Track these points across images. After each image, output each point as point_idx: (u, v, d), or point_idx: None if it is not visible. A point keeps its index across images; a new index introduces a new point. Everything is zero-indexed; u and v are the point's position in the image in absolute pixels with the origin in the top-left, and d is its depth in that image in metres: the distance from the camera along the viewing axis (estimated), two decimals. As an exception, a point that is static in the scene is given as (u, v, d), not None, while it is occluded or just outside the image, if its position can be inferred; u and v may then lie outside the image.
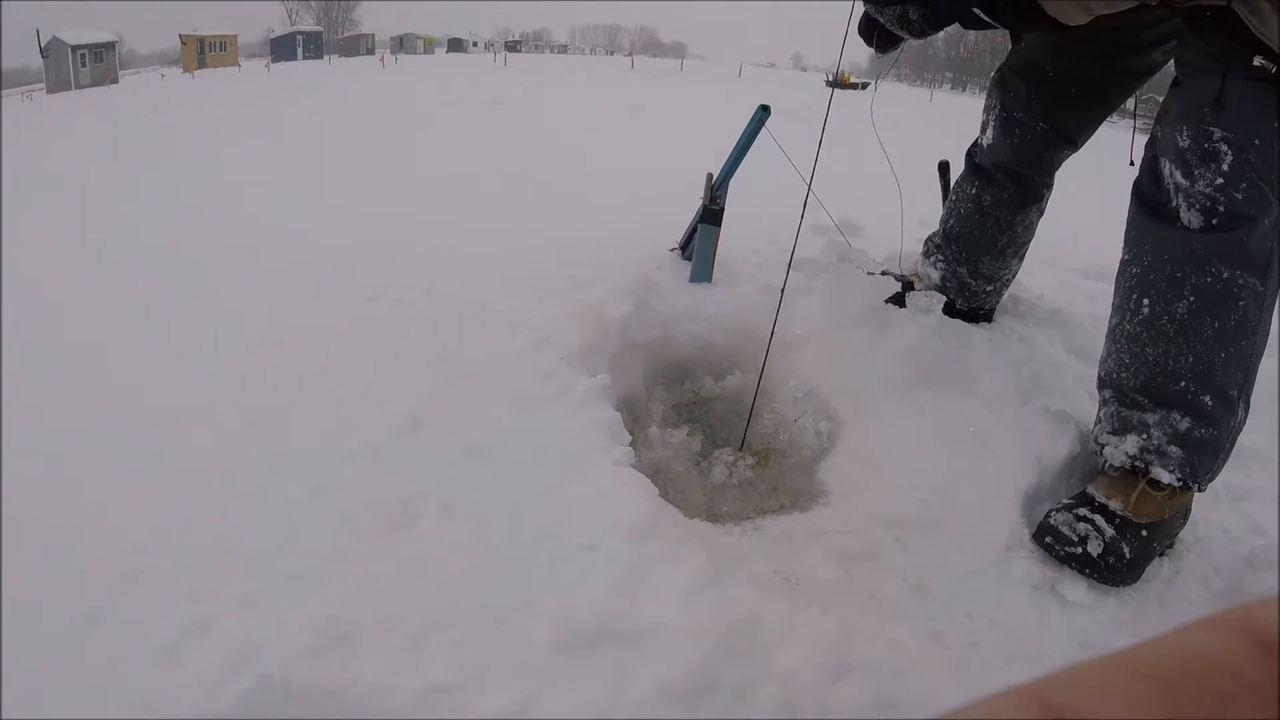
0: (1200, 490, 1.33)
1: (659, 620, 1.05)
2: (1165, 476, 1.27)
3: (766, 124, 1.87)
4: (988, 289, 1.93)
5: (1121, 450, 1.30)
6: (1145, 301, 1.29)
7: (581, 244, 2.31)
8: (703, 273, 2.04)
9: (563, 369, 1.59)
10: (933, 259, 1.97)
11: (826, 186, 2.56)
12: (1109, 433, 1.34)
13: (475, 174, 4.03)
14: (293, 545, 1.19)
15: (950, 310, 1.95)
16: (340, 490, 1.29)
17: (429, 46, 61.01)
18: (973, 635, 1.16)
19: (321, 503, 1.27)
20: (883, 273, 2.12)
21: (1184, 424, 1.26)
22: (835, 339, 1.84)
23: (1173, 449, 1.27)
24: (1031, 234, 1.89)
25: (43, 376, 1.70)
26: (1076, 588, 1.24)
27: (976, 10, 1.29)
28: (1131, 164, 1.70)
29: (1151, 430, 1.28)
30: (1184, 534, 1.39)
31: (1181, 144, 1.23)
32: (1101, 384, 1.39)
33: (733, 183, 2.00)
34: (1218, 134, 1.20)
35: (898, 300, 1.96)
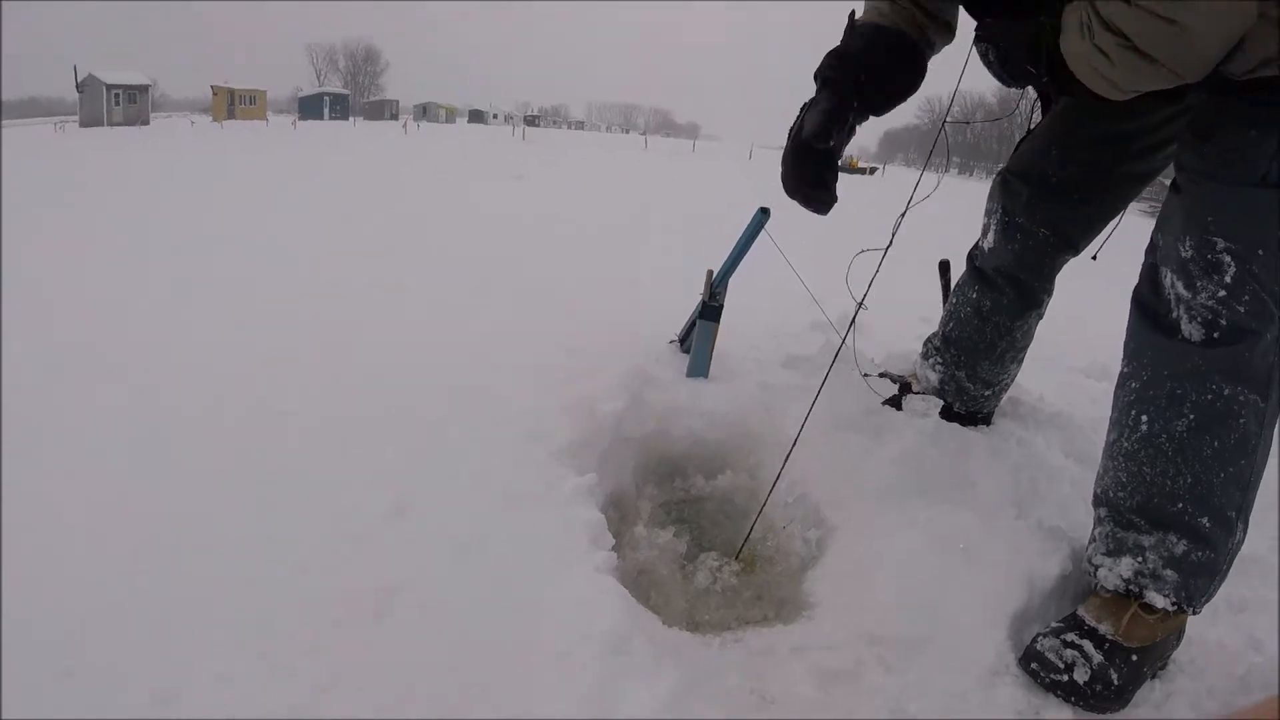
0: (1195, 614, 1.29)
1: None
2: (1160, 601, 1.24)
3: (766, 227, 1.91)
4: (986, 393, 1.91)
5: (1116, 573, 1.27)
6: (1144, 418, 1.27)
7: (586, 330, 2.34)
8: (700, 368, 2.05)
9: (552, 464, 1.59)
10: (931, 361, 1.97)
11: (831, 280, 2.59)
12: (1103, 554, 1.31)
13: (491, 251, 4.12)
14: (271, 627, 1.18)
15: (948, 414, 1.94)
16: (323, 574, 1.28)
17: (450, 116, 63.34)
18: None
19: (304, 585, 1.26)
20: (881, 374, 2.12)
21: (1180, 547, 1.23)
22: (830, 442, 1.81)
23: (1168, 573, 1.24)
24: (1030, 339, 1.89)
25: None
26: (1062, 716, 1.19)
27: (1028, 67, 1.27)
28: (1094, 259, 1.73)
29: (1147, 553, 1.25)
30: (1177, 653, 1.34)
31: (1184, 254, 1.21)
32: (1097, 501, 1.36)
33: (734, 277, 2.03)
34: (1221, 244, 1.17)
35: (895, 403, 1.95)
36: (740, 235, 1.95)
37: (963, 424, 1.92)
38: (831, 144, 1.45)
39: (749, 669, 1.27)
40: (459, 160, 10.92)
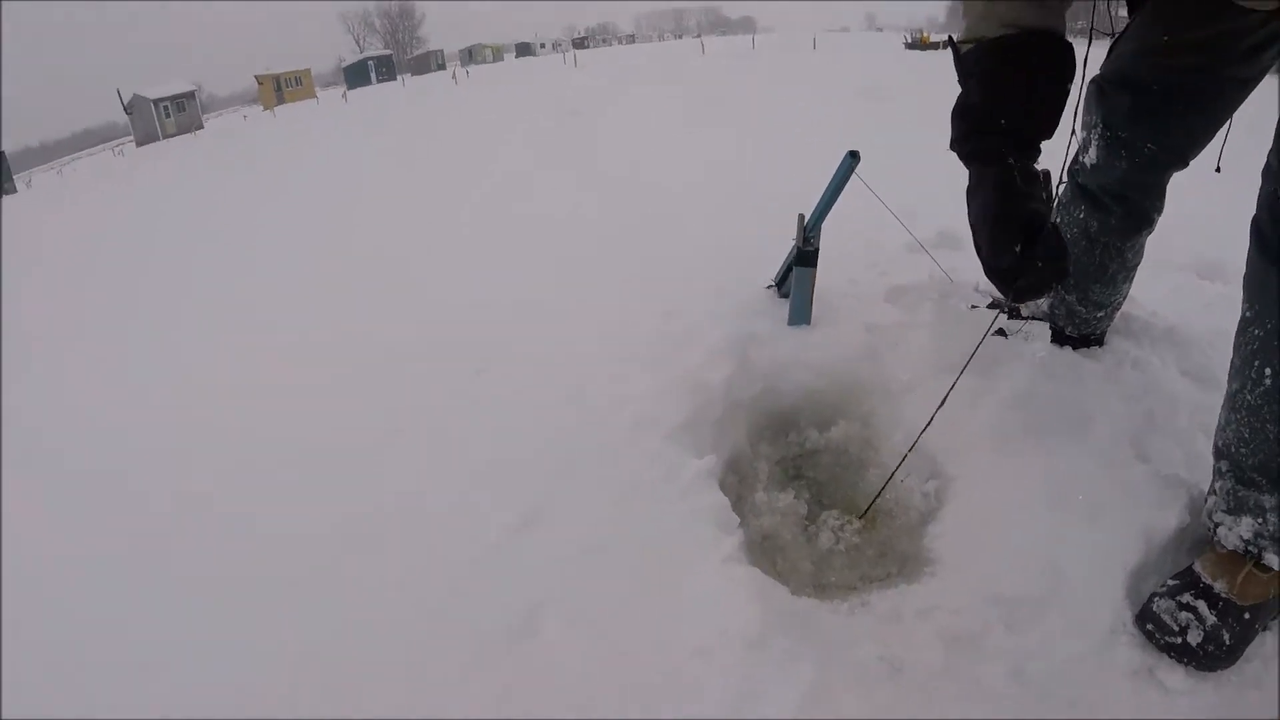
0: None
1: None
2: (1277, 563, 1.23)
3: (857, 170, 1.86)
4: (1098, 315, 1.86)
5: (1235, 533, 1.26)
6: (1268, 371, 1.19)
7: (677, 286, 2.37)
8: (802, 315, 2.07)
9: (668, 450, 1.68)
10: None
11: (922, 191, 2.50)
12: (1224, 511, 1.29)
13: (563, 209, 4.14)
14: (437, 653, 1.34)
15: (1060, 337, 1.90)
16: (469, 596, 1.43)
17: (497, 54, 61.97)
18: None
19: (459, 606, 1.42)
20: (989, 304, 2.08)
21: None
22: (940, 386, 1.82)
23: None
24: (1141, 256, 1.80)
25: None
26: (1174, 674, 1.23)
27: None
28: (1218, 170, 1.57)
29: (1268, 514, 1.23)
30: None
31: None
32: (1218, 454, 1.33)
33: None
34: None
35: (1002, 332, 1.92)
36: (831, 180, 1.91)
37: (1075, 347, 1.89)
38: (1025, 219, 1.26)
39: (877, 635, 1.35)
40: (510, 105, 10.60)
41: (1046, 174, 2.03)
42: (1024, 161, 1.30)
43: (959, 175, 1.39)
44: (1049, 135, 1.34)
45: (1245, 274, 1.26)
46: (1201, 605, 1.23)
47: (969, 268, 2.29)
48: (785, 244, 2.14)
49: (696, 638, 1.29)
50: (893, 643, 1.34)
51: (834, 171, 1.90)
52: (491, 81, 21.57)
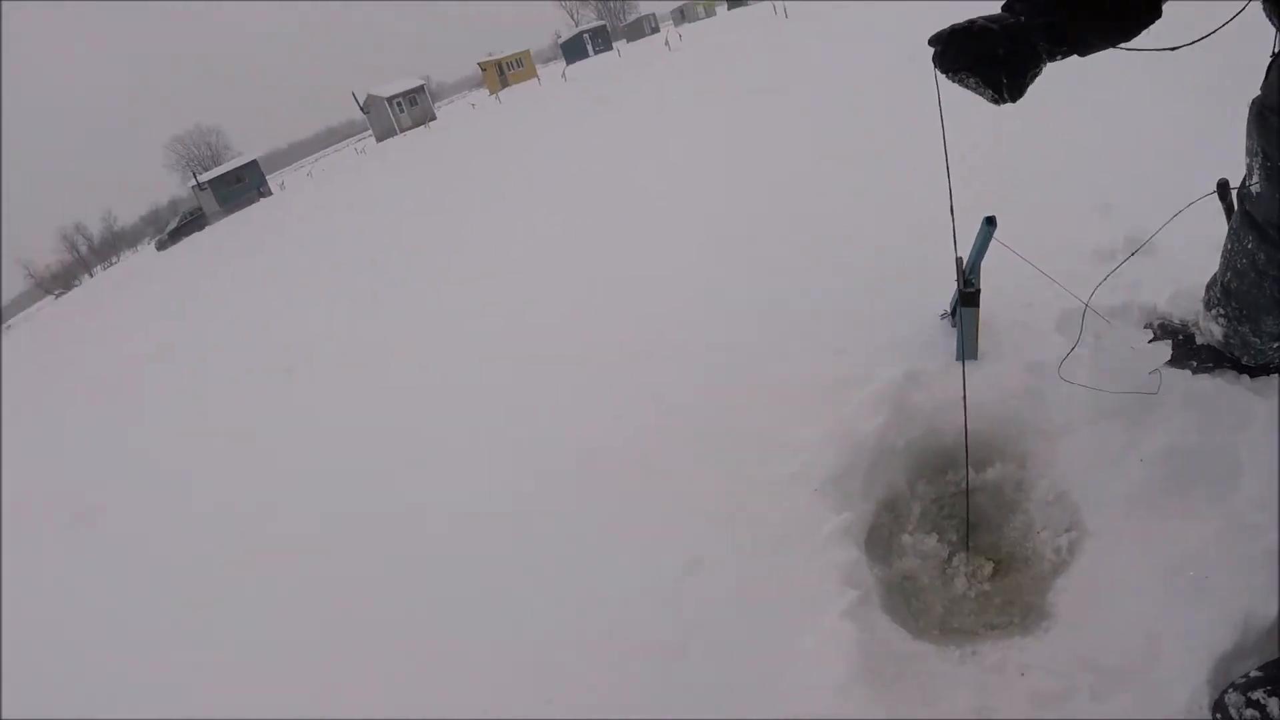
0: None
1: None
2: None
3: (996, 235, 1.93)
4: (1275, 345, 1.74)
5: None
6: None
7: (850, 319, 2.57)
8: (969, 351, 2.17)
9: (815, 504, 1.97)
10: (1214, 312, 1.82)
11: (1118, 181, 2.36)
12: None
13: (740, 218, 4.26)
14: (590, 680, 1.80)
15: (1237, 367, 1.81)
16: (641, 620, 1.89)
17: (709, 9, 58.18)
18: None
19: (627, 629, 1.88)
20: (1160, 323, 2.00)
21: None
22: (1094, 432, 1.87)
23: None
24: None
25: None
26: None
27: None
28: None
29: None
30: None
31: None
32: None
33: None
34: None
35: (1176, 362, 1.88)
36: (974, 241, 1.99)
37: (1253, 376, 1.79)
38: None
39: (977, 685, 1.57)
40: (714, 75, 10.24)
41: (1224, 183, 1.89)
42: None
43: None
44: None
45: None
46: (1274, 703, 1.27)
47: (1156, 283, 2.18)
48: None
49: (800, 684, 1.63)
50: (990, 693, 1.55)
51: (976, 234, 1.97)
52: (703, 40, 21.01)
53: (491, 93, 46.88)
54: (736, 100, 8.46)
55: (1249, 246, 1.67)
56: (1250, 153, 1.58)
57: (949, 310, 2.36)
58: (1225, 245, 1.77)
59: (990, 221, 1.91)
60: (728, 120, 7.62)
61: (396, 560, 2.49)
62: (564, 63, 51.22)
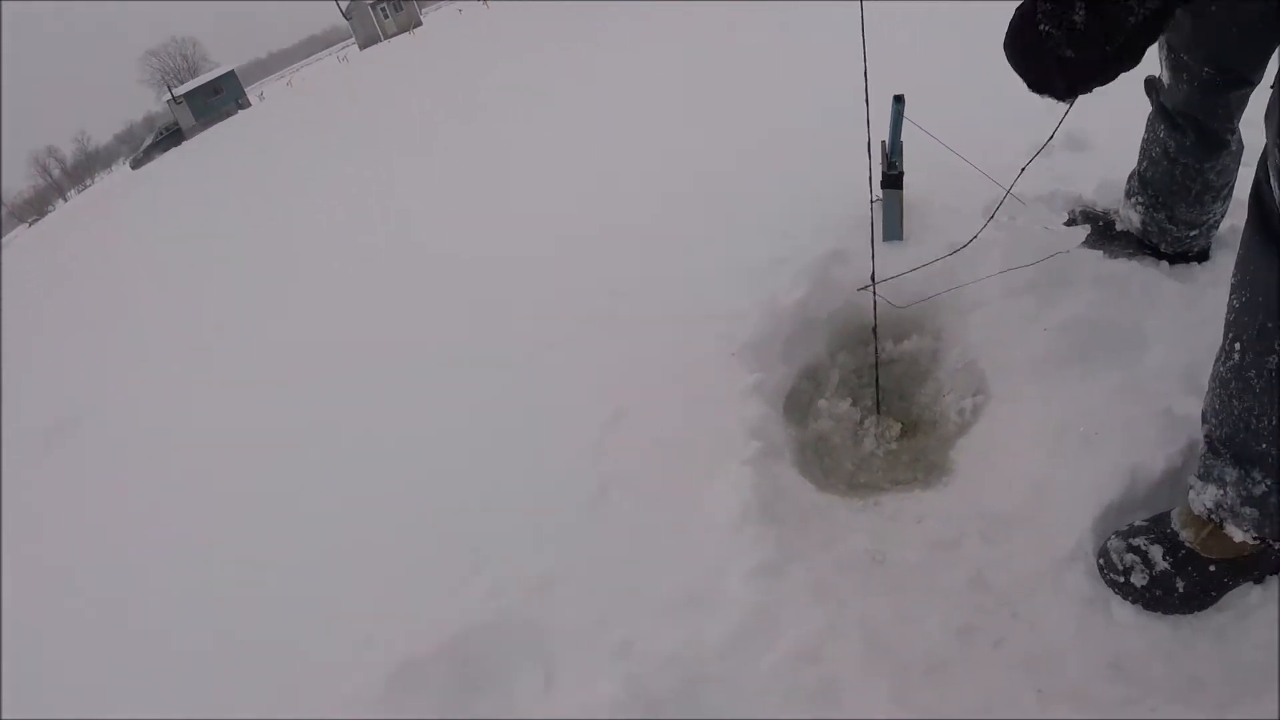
0: None
1: (732, 593, 1.53)
2: (1238, 535, 1.24)
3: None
4: (1191, 234, 1.81)
5: (1201, 500, 1.28)
6: (1238, 345, 1.17)
7: (789, 206, 2.58)
8: (893, 232, 2.19)
9: (733, 366, 2.00)
10: (1133, 200, 1.89)
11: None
12: (1196, 475, 1.30)
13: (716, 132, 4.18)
14: (540, 503, 1.86)
15: (1155, 254, 1.88)
16: (566, 469, 1.93)
17: None
18: (1003, 634, 1.38)
19: (560, 485, 1.90)
20: (1081, 210, 2.05)
21: (1261, 487, 1.19)
22: (1005, 305, 1.92)
23: (1247, 510, 1.21)
24: (1230, 175, 1.72)
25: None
26: (1126, 608, 1.34)
27: None
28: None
29: (1229, 487, 1.23)
30: None
31: (1276, 160, 1.05)
32: (1202, 418, 1.31)
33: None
34: None
35: (1094, 244, 1.93)
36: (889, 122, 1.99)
37: (1172, 263, 1.85)
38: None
39: (874, 531, 1.64)
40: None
41: (1151, 80, 1.92)
42: None
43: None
44: None
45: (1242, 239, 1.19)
46: (1156, 550, 1.31)
47: (1087, 174, 2.22)
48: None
49: (710, 517, 1.67)
50: (885, 539, 1.62)
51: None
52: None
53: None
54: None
55: (1161, 135, 1.73)
56: (1159, 45, 1.63)
57: (879, 198, 2.38)
58: (1143, 135, 1.82)
59: (898, 100, 1.91)
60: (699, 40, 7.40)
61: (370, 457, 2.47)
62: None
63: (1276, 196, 1.06)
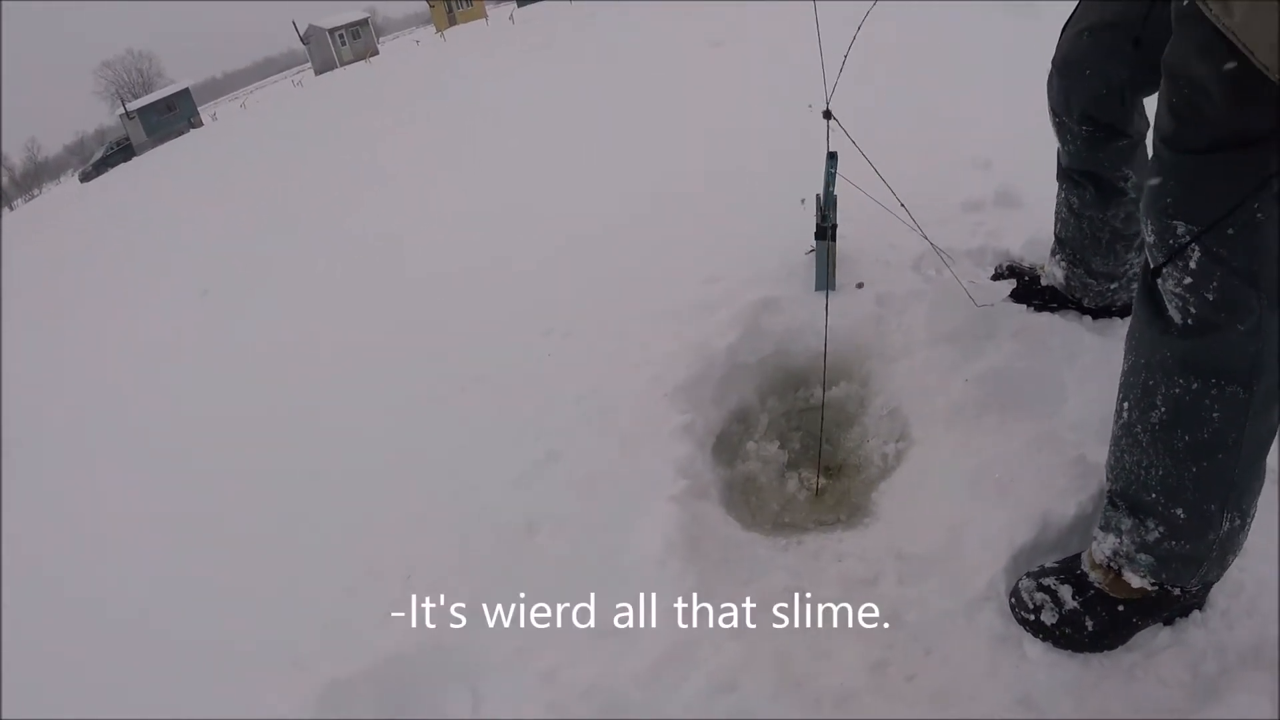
0: (1190, 592, 1.30)
1: (644, 624, 1.52)
2: (1135, 581, 1.29)
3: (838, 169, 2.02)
4: (1112, 286, 1.89)
5: (1100, 550, 1.33)
6: (1126, 404, 1.24)
7: (724, 255, 2.65)
8: (823, 282, 2.25)
9: (664, 406, 2.01)
10: (1056, 258, 1.96)
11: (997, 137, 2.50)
12: (1099, 525, 1.35)
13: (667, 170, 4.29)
14: (470, 545, 1.82)
15: (1080, 309, 1.95)
16: (503, 509, 1.89)
17: None
18: (916, 669, 1.39)
19: (491, 518, 1.87)
20: (1008, 266, 2.13)
21: (1154, 535, 1.24)
22: (929, 354, 1.98)
23: (1142, 557, 1.27)
24: (1136, 223, 1.78)
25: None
26: (1037, 646, 1.36)
27: None
28: None
29: (1124, 536, 1.28)
30: (1226, 600, 1.36)
31: (1148, 239, 1.13)
32: (1106, 473, 1.36)
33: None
34: (1181, 228, 1.06)
35: (1021, 298, 2.00)
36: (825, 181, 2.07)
37: (1095, 318, 1.93)
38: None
39: (794, 570, 1.63)
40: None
41: None
42: None
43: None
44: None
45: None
46: (1065, 590, 1.34)
47: (1016, 231, 2.32)
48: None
49: (637, 550, 1.66)
50: (805, 577, 1.61)
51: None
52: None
53: (439, 30, 45.31)
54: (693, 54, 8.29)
55: (1063, 195, 1.84)
56: (1049, 112, 1.75)
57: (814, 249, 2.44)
58: (1057, 200, 1.92)
59: (832, 157, 1.99)
60: (676, 77, 7.52)
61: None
62: (515, 4, 49.94)
63: (1151, 264, 1.13)
